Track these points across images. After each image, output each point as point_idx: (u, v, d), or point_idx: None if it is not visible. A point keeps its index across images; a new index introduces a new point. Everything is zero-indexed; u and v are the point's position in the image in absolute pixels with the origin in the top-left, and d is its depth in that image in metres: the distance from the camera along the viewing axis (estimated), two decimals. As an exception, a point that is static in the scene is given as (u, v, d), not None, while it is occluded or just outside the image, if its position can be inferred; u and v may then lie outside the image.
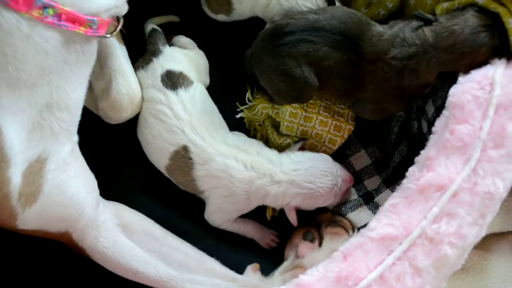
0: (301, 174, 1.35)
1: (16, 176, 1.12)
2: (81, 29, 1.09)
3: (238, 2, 1.45)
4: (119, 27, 1.21)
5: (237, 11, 1.47)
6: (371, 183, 1.45)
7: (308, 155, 1.39)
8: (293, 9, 1.37)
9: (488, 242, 1.28)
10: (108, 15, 1.14)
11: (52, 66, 1.09)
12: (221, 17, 1.50)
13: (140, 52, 1.44)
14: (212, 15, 1.51)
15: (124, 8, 1.19)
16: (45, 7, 1.03)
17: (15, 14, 1.01)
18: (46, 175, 1.17)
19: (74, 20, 1.07)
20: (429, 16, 1.24)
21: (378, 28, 1.29)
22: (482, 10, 1.22)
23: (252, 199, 1.39)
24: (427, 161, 1.17)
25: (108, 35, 1.19)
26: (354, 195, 1.46)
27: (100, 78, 1.33)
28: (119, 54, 1.33)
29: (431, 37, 1.22)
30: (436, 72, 1.23)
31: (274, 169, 1.36)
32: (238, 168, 1.36)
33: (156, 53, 1.43)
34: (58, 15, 1.05)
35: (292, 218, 1.40)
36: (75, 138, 1.25)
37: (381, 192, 1.42)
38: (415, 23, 1.26)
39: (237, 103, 1.52)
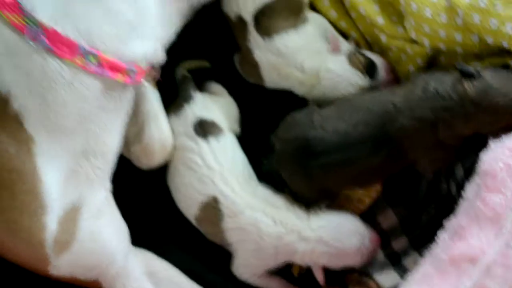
0: (329, 232, 1.34)
1: (52, 223, 1.13)
2: (121, 78, 1.10)
3: (268, 75, 1.44)
4: (156, 76, 1.23)
5: (269, 82, 1.45)
6: (399, 243, 1.42)
7: (336, 214, 1.38)
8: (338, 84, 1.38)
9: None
10: (146, 64, 1.15)
11: (90, 113, 1.11)
12: (255, 81, 1.49)
13: (172, 97, 1.44)
14: (246, 78, 1.50)
15: (161, 57, 1.21)
16: (88, 54, 1.04)
17: (58, 61, 1.04)
18: (81, 223, 1.18)
19: (115, 68, 1.08)
20: (472, 70, 1.21)
21: (401, 92, 1.28)
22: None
23: (280, 255, 1.37)
24: (458, 230, 1.15)
25: (144, 83, 1.20)
26: (381, 256, 1.43)
27: (133, 123, 1.33)
28: (152, 99, 1.34)
29: (473, 93, 1.19)
30: (472, 129, 1.22)
31: (302, 225, 1.35)
32: (267, 222, 1.35)
33: (188, 99, 1.42)
34: (100, 63, 1.06)
35: (319, 277, 1.38)
36: (109, 185, 1.26)
37: (409, 255, 1.39)
38: (442, 76, 1.25)
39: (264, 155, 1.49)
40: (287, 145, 1.35)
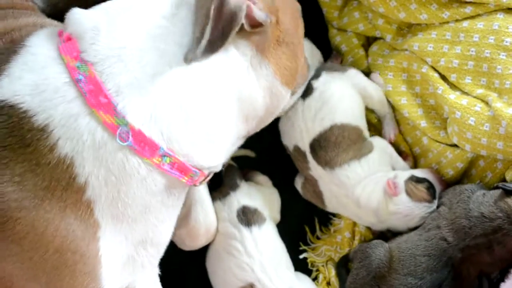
0: None
1: None
2: (185, 179, 1.16)
3: (330, 202, 1.49)
4: (209, 177, 1.27)
5: (330, 208, 1.51)
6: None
7: None
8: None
9: None
10: (208, 172, 1.21)
11: (153, 206, 1.16)
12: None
13: (216, 183, 1.49)
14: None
15: (220, 167, 1.26)
16: (164, 155, 1.11)
17: (139, 159, 1.10)
18: None
19: (182, 170, 1.14)
20: None
21: (445, 223, 1.34)
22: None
23: None
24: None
25: (198, 184, 1.25)
26: None
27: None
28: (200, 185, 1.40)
29: None
30: None
31: None
32: None
33: (234, 187, 1.48)
34: (172, 164, 1.12)
35: None
36: (157, 270, 1.30)
37: None
38: (480, 198, 1.29)
39: (300, 243, 1.57)
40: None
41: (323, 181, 1.46)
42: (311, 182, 1.49)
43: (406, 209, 1.39)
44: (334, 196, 1.46)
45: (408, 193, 1.39)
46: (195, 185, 1.22)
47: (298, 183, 1.54)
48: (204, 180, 1.24)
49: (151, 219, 1.18)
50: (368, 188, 1.42)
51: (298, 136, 1.46)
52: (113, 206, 1.12)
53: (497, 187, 1.30)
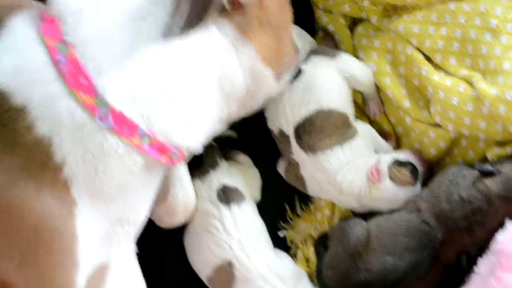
0: None
1: (81, 280, 1.16)
2: (164, 159, 1.15)
3: (311, 187, 1.48)
4: (187, 159, 1.27)
5: (312, 192, 1.50)
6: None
7: None
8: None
9: None
10: (187, 152, 1.21)
11: (131, 185, 1.16)
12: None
13: (195, 162, 1.47)
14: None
15: (200, 148, 1.25)
16: (143, 136, 1.10)
17: (117, 139, 1.09)
18: (107, 281, 1.22)
19: (162, 150, 1.14)
20: (491, 168, 1.26)
21: (426, 206, 1.33)
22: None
23: None
24: (469, 303, 1.19)
25: (177, 164, 1.25)
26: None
27: None
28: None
29: (497, 188, 1.24)
30: (501, 220, 1.25)
31: None
32: None
33: (214, 166, 1.47)
34: (151, 144, 1.12)
35: None
36: (134, 247, 1.31)
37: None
38: (459, 180, 1.29)
39: (280, 220, 1.56)
40: (332, 283, 1.39)
41: (305, 166, 1.45)
42: (294, 166, 1.48)
43: (390, 194, 1.38)
44: (316, 181, 1.45)
45: (392, 178, 1.38)
46: (174, 165, 1.21)
47: (281, 167, 1.53)
48: (183, 159, 1.23)
49: (129, 197, 1.18)
50: (349, 175, 1.40)
51: (283, 120, 1.44)
52: (90, 185, 1.11)
53: (475, 169, 1.30)
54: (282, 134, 1.46)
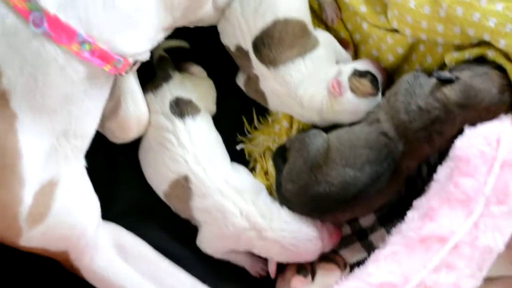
0: (287, 237, 1.36)
1: (27, 197, 1.14)
2: (108, 67, 1.12)
3: (272, 102, 1.44)
4: (136, 67, 1.25)
5: (273, 107, 1.46)
6: (366, 220, 1.45)
7: (296, 217, 1.38)
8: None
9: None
10: (132, 60, 1.18)
11: (74, 96, 1.13)
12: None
13: (148, 76, 1.44)
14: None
15: (147, 56, 1.23)
16: (83, 42, 1.07)
17: (55, 46, 1.06)
18: (56, 197, 1.20)
19: (104, 57, 1.11)
20: (450, 75, 1.24)
21: (385, 117, 1.31)
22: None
23: (240, 244, 1.40)
24: (429, 211, 1.20)
25: (124, 74, 1.22)
26: (348, 232, 1.46)
27: (109, 98, 1.33)
28: (130, 74, 1.34)
29: (455, 96, 1.23)
30: (460, 127, 1.23)
31: (264, 225, 1.37)
32: (233, 212, 1.37)
33: (166, 78, 1.43)
34: (92, 51, 1.09)
35: (272, 270, 1.42)
36: (83, 162, 1.28)
37: (376, 231, 1.43)
38: (417, 89, 1.27)
39: (237, 134, 1.53)
40: (292, 196, 1.37)
41: (266, 80, 1.41)
42: (254, 80, 1.44)
43: (352, 107, 1.35)
44: (277, 96, 1.41)
45: (353, 90, 1.35)
46: (120, 74, 1.18)
47: (241, 80, 1.49)
48: (130, 69, 1.21)
49: (74, 110, 1.15)
50: (310, 89, 1.37)
51: (239, 34, 1.38)
52: (30, 96, 1.08)
53: (433, 76, 1.27)
54: (240, 49, 1.41)
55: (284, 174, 1.38)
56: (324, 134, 1.36)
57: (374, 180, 1.29)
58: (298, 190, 1.35)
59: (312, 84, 1.37)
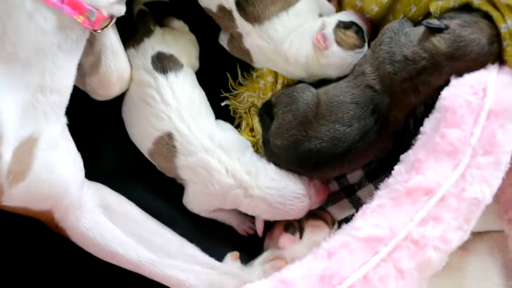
0: (273, 194, 1.35)
1: (6, 154, 1.12)
2: (80, 18, 1.10)
3: (258, 59, 1.42)
4: (112, 23, 1.22)
5: (258, 64, 1.44)
6: (354, 176, 1.45)
7: (283, 175, 1.37)
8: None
9: (465, 242, 1.29)
10: (106, 12, 1.16)
11: (47, 49, 1.11)
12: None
13: (129, 32, 1.41)
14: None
15: (122, 9, 1.21)
16: None
17: None
18: (36, 154, 1.18)
19: (75, 6, 1.08)
20: (439, 23, 1.22)
21: (371, 69, 1.29)
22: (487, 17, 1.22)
23: (227, 203, 1.39)
24: (416, 163, 1.18)
25: (99, 31, 1.20)
26: (335, 188, 1.45)
27: (89, 54, 1.31)
28: (110, 30, 1.32)
29: (443, 46, 1.21)
30: (447, 78, 1.22)
31: (250, 182, 1.35)
32: (220, 171, 1.35)
33: (147, 33, 1.40)
34: None
35: (259, 228, 1.41)
36: (64, 119, 1.26)
37: (363, 186, 1.42)
38: (403, 39, 1.25)
39: (221, 90, 1.50)
40: (281, 152, 1.35)
41: (250, 38, 1.38)
42: (237, 39, 1.41)
43: (339, 60, 1.33)
44: (262, 52, 1.39)
45: (338, 42, 1.32)
46: (95, 31, 1.17)
47: (224, 40, 1.46)
48: (108, 25, 1.19)
49: (48, 63, 1.13)
50: (295, 44, 1.35)
51: None
52: (0, 47, 1.06)
53: (420, 25, 1.25)
54: (223, 9, 1.38)
55: (272, 130, 1.36)
56: (312, 89, 1.34)
57: (363, 135, 1.28)
58: (288, 146, 1.33)
59: (297, 39, 1.35)
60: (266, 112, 1.43)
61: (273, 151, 1.36)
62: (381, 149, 1.34)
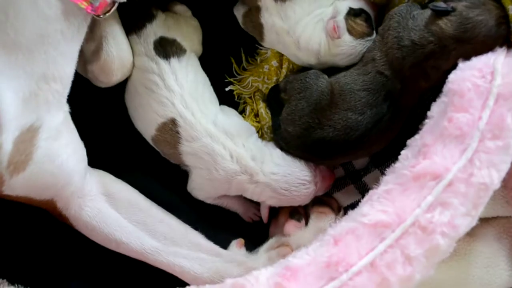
0: (279, 180, 1.34)
1: (7, 143, 1.10)
2: (83, 4, 1.09)
3: (269, 37, 1.40)
4: (114, 8, 1.20)
5: (268, 43, 1.43)
6: (359, 162, 1.44)
7: (289, 160, 1.36)
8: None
9: (473, 228, 1.27)
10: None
11: (50, 35, 1.09)
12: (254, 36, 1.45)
13: (131, 17, 1.39)
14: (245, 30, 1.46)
15: None
16: None
17: None
18: (38, 144, 1.16)
19: None
20: (446, 6, 1.20)
21: (380, 55, 1.28)
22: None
23: (232, 189, 1.38)
24: (423, 148, 1.16)
25: (102, 16, 1.19)
26: (341, 174, 1.44)
27: (90, 40, 1.30)
28: (111, 16, 1.30)
29: (451, 29, 1.19)
30: (455, 61, 1.20)
31: (256, 168, 1.34)
32: (224, 156, 1.34)
33: (149, 18, 1.38)
34: None
35: (264, 214, 1.41)
36: (66, 108, 1.24)
37: (370, 172, 1.41)
38: (410, 23, 1.24)
39: (225, 75, 1.49)
40: (293, 139, 1.34)
41: (268, 13, 1.37)
42: (254, 12, 1.40)
43: (350, 49, 1.33)
44: (276, 31, 1.38)
45: (349, 31, 1.32)
46: (97, 16, 1.15)
47: (240, 11, 1.44)
48: (109, 11, 1.18)
49: (50, 51, 1.11)
50: (308, 29, 1.34)
51: None
52: (3, 34, 1.04)
53: (427, 8, 1.23)
54: None
55: (284, 116, 1.35)
56: (325, 76, 1.33)
57: (376, 123, 1.27)
58: (300, 133, 1.32)
59: (310, 23, 1.35)
60: (274, 97, 1.41)
61: (283, 137, 1.35)
62: (394, 136, 1.32)
